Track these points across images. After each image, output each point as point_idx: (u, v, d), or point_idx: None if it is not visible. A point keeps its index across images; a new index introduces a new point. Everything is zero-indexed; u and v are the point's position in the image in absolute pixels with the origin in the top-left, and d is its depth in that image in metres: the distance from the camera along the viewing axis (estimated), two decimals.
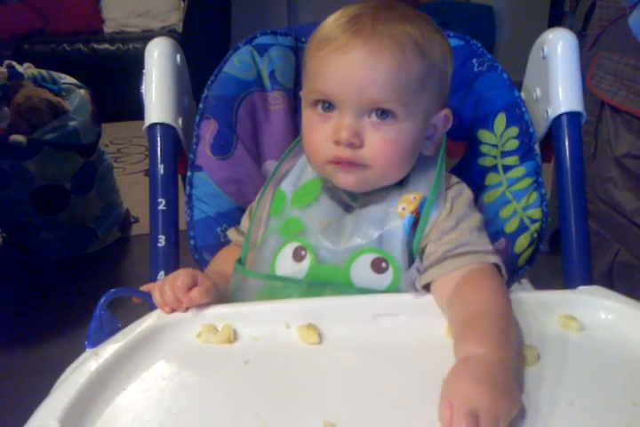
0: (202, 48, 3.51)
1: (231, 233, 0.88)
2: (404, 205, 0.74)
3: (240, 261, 0.81)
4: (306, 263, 0.74)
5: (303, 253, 0.75)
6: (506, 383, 0.53)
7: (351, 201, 0.77)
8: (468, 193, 0.79)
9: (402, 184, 0.77)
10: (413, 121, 0.73)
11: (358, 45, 0.69)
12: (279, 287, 0.74)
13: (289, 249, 0.76)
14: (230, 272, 0.80)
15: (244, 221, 0.87)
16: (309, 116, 0.76)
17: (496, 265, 0.70)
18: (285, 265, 0.76)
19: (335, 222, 0.76)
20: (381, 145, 0.72)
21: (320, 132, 0.74)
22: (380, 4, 0.75)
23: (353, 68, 0.70)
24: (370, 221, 0.75)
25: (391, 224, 0.74)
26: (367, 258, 0.73)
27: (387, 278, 0.73)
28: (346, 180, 0.74)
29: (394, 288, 0.72)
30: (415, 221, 0.74)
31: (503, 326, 0.61)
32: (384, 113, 0.72)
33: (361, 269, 0.73)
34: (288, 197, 0.80)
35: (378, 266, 0.73)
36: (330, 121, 0.73)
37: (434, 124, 0.77)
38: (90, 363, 0.60)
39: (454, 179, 0.80)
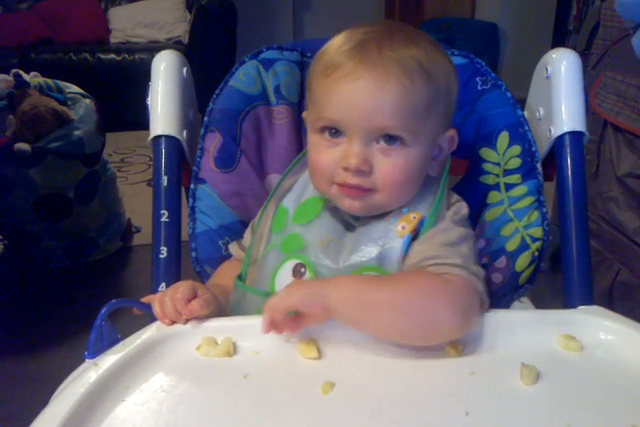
0: (207, 60, 3.54)
1: (233, 247, 0.88)
2: (404, 224, 0.75)
3: (240, 277, 0.81)
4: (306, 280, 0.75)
5: (303, 270, 0.75)
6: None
7: (353, 220, 0.78)
8: (463, 210, 0.79)
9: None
10: (421, 145, 0.74)
11: (365, 72, 0.69)
12: None
13: (289, 266, 0.76)
14: (230, 287, 0.80)
15: (247, 236, 0.88)
16: (316, 141, 0.76)
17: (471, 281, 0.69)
18: (285, 281, 0.75)
19: (335, 240, 0.76)
20: (391, 171, 0.73)
21: (327, 156, 0.74)
22: (385, 28, 0.75)
23: (361, 96, 0.70)
24: (370, 239, 0.75)
25: (390, 243, 0.74)
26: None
27: None
28: (351, 205, 0.75)
29: None
30: (413, 240, 0.74)
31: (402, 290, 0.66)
32: (392, 139, 0.72)
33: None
34: (290, 214, 0.81)
35: None
36: (338, 147, 0.73)
37: (439, 144, 0.78)
38: (89, 374, 0.60)
39: (455, 197, 0.81)
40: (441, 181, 0.79)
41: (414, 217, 0.75)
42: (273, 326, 0.65)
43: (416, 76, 0.71)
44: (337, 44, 0.74)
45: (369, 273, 0.73)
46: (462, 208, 0.79)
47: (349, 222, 0.78)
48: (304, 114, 0.85)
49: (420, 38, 0.75)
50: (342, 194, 0.74)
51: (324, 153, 0.75)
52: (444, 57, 0.77)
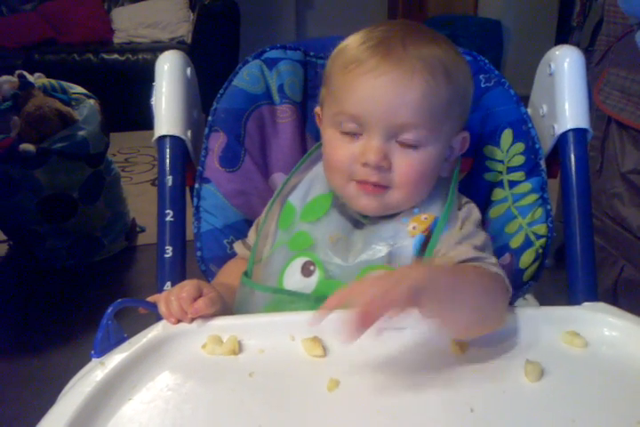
0: (210, 60, 3.54)
1: (237, 246, 0.88)
2: (415, 224, 0.75)
3: (246, 274, 0.81)
4: (314, 278, 0.75)
5: (312, 268, 0.75)
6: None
7: (361, 218, 0.78)
8: (476, 213, 0.80)
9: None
10: (438, 144, 0.75)
11: (390, 68, 0.70)
12: (286, 301, 0.74)
13: (298, 263, 0.76)
14: (236, 285, 0.81)
15: (251, 235, 0.88)
16: (333, 136, 0.76)
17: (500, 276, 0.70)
18: (294, 279, 0.76)
19: (344, 238, 0.76)
20: (409, 168, 0.73)
21: (345, 151, 0.74)
22: (405, 27, 0.76)
23: (385, 92, 0.70)
24: (380, 238, 0.75)
25: (401, 242, 0.74)
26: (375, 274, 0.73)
27: None
28: (367, 205, 0.75)
29: None
30: (426, 240, 0.74)
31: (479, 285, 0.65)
32: (411, 137, 0.72)
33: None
34: (297, 211, 0.81)
35: None
36: (356, 142, 0.74)
37: (451, 145, 0.79)
38: (96, 373, 0.60)
39: (464, 198, 0.81)
40: (451, 182, 0.79)
41: (425, 218, 0.75)
42: (366, 320, 0.56)
43: (439, 76, 0.71)
44: (357, 41, 0.74)
45: (379, 272, 0.73)
46: (473, 210, 0.80)
47: (358, 220, 0.78)
48: (317, 110, 0.85)
49: (441, 39, 0.76)
50: (360, 192, 0.74)
51: (341, 148, 0.75)
52: (463, 59, 0.78)
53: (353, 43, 0.75)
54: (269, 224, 0.83)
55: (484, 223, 0.87)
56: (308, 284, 0.75)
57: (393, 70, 0.70)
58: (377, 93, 0.70)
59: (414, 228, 0.75)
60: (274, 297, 0.76)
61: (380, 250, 0.74)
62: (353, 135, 0.74)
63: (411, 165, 0.73)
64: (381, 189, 0.74)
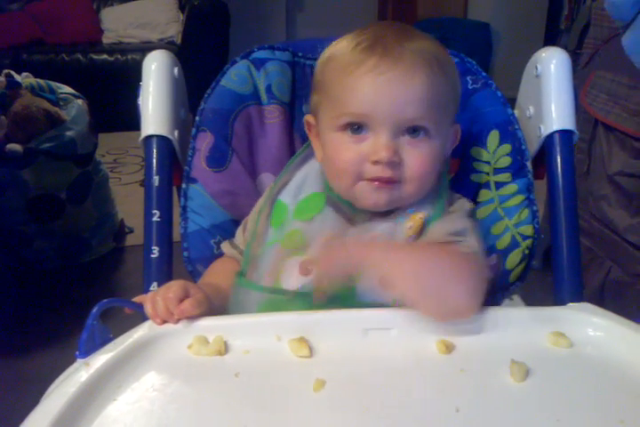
0: (200, 61, 3.53)
1: (225, 246, 0.88)
2: (412, 224, 0.75)
3: (240, 274, 0.81)
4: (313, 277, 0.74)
5: (310, 267, 0.75)
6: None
7: (356, 216, 0.78)
8: (466, 205, 0.80)
9: None
10: (441, 136, 0.76)
11: (391, 66, 0.71)
12: (284, 301, 0.74)
13: (294, 262, 0.76)
14: (223, 285, 0.80)
15: (239, 235, 0.88)
16: (338, 139, 0.76)
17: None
18: (292, 278, 0.76)
19: (339, 235, 0.76)
20: (419, 162, 0.74)
21: (352, 152, 0.74)
22: (394, 25, 0.77)
23: (389, 89, 0.71)
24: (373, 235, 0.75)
25: (397, 241, 0.75)
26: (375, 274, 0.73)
27: (391, 294, 0.73)
28: (377, 200, 0.75)
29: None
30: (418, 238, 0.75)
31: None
32: (416, 130, 0.73)
33: (367, 284, 0.73)
34: (290, 209, 0.81)
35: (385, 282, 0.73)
36: (363, 142, 0.74)
37: (448, 140, 0.79)
38: (80, 373, 0.59)
39: (456, 195, 0.82)
40: (441, 181, 0.80)
41: (420, 217, 0.76)
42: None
43: (436, 69, 0.72)
44: (349, 45, 0.75)
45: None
46: (464, 204, 0.80)
47: (353, 218, 0.78)
48: (307, 118, 0.84)
49: (426, 35, 0.77)
50: (372, 188, 0.74)
51: (349, 149, 0.75)
52: (448, 52, 0.80)
53: (345, 47, 0.75)
54: (261, 223, 0.82)
55: None
56: (307, 283, 0.74)
57: (394, 67, 0.71)
58: (382, 91, 0.71)
59: (410, 227, 0.75)
60: (271, 297, 0.76)
61: None
62: (358, 136, 0.74)
63: (421, 159, 0.74)
64: (393, 184, 0.74)
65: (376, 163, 0.73)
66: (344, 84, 0.73)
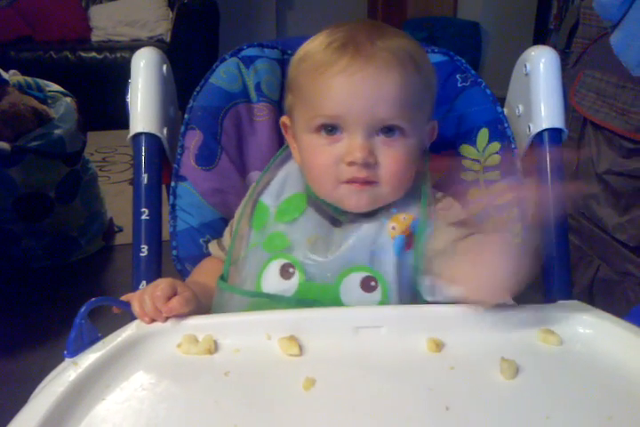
0: (189, 58, 3.52)
1: (212, 246, 0.88)
2: (395, 224, 0.75)
3: (222, 278, 0.80)
4: (295, 281, 0.74)
5: (291, 270, 0.75)
6: None
7: (339, 216, 0.78)
8: (455, 206, 0.80)
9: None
10: (416, 135, 0.75)
11: (363, 65, 0.70)
12: (266, 305, 0.73)
13: (275, 266, 0.76)
14: (210, 285, 0.80)
15: (227, 235, 0.87)
16: (313, 141, 0.75)
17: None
18: (273, 282, 0.75)
19: (323, 237, 0.76)
20: (394, 162, 0.73)
21: (327, 154, 0.74)
22: (367, 24, 0.76)
23: (362, 89, 0.70)
24: (360, 238, 0.75)
25: (382, 243, 0.74)
26: (357, 276, 0.73)
27: (375, 297, 0.73)
28: (358, 202, 0.74)
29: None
30: (409, 241, 0.74)
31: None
32: (391, 130, 0.73)
33: (350, 288, 0.73)
34: (271, 211, 0.80)
35: (367, 284, 0.73)
36: (337, 143, 0.73)
37: (424, 137, 0.79)
38: (68, 372, 0.59)
39: (439, 193, 0.82)
40: (423, 180, 0.80)
41: (404, 218, 0.75)
42: None
43: (409, 67, 0.72)
44: (320, 44, 0.74)
45: (359, 273, 0.73)
46: (453, 204, 0.80)
47: (336, 218, 0.78)
48: (283, 119, 0.84)
49: (401, 33, 0.77)
50: (351, 191, 0.74)
51: (323, 152, 0.74)
52: (424, 49, 0.79)
53: (316, 47, 0.75)
54: (243, 225, 0.82)
55: None
56: (289, 286, 0.74)
57: (366, 67, 0.70)
58: (354, 91, 0.70)
59: (393, 228, 0.75)
60: (252, 300, 0.75)
61: (362, 250, 0.74)
62: (333, 137, 0.73)
63: (396, 159, 0.73)
64: (370, 184, 0.74)
65: (351, 164, 0.72)
66: (316, 86, 0.73)
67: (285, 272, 0.75)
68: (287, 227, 0.78)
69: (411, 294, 0.74)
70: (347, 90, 0.71)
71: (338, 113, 0.72)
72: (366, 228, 0.76)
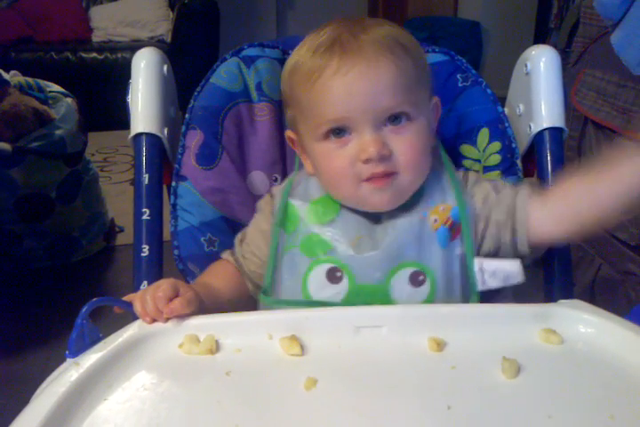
0: (190, 59, 3.52)
1: (224, 253, 0.86)
2: (436, 216, 0.75)
3: (264, 293, 0.78)
4: (344, 285, 0.74)
5: (339, 274, 0.74)
6: None
7: (377, 212, 0.77)
8: (479, 175, 0.81)
9: (420, 193, 0.77)
10: (423, 116, 0.75)
11: (354, 62, 0.70)
12: None
13: (321, 270, 0.75)
14: (217, 287, 0.79)
15: (237, 244, 0.85)
16: (323, 148, 0.75)
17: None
18: (321, 288, 0.74)
19: (366, 237, 0.75)
20: (408, 148, 0.73)
21: (342, 157, 0.73)
22: (346, 20, 0.76)
23: (359, 85, 0.70)
24: (403, 233, 0.74)
25: (426, 236, 0.74)
26: (406, 272, 0.73)
27: (424, 291, 0.73)
28: (381, 200, 0.74)
29: (430, 300, 0.73)
30: (452, 231, 0.74)
31: None
32: (397, 117, 0.73)
33: (400, 285, 0.73)
34: (302, 212, 0.79)
35: (415, 279, 0.73)
36: (348, 145, 0.73)
37: (432, 115, 0.79)
38: (70, 373, 0.59)
39: (461, 172, 0.82)
40: (443, 165, 0.80)
41: (443, 208, 0.75)
42: None
43: (398, 51, 0.72)
44: (307, 53, 0.74)
45: (408, 269, 0.73)
46: (476, 175, 0.81)
47: (375, 215, 0.77)
48: (288, 133, 0.84)
49: (380, 21, 0.77)
50: (373, 189, 0.73)
51: (337, 156, 0.74)
52: (407, 32, 0.78)
53: (303, 55, 0.74)
54: (275, 230, 0.79)
55: None
56: (338, 291, 0.73)
57: (357, 62, 0.70)
58: (352, 90, 0.70)
59: (436, 220, 0.75)
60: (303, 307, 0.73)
61: (407, 245, 0.73)
62: (342, 140, 0.73)
63: (410, 144, 0.73)
64: (390, 176, 0.73)
65: (367, 161, 0.72)
66: (313, 93, 0.72)
67: (333, 277, 0.74)
68: (325, 228, 0.76)
69: (460, 285, 0.74)
70: (344, 90, 0.71)
71: (341, 115, 0.72)
72: (408, 222, 0.75)
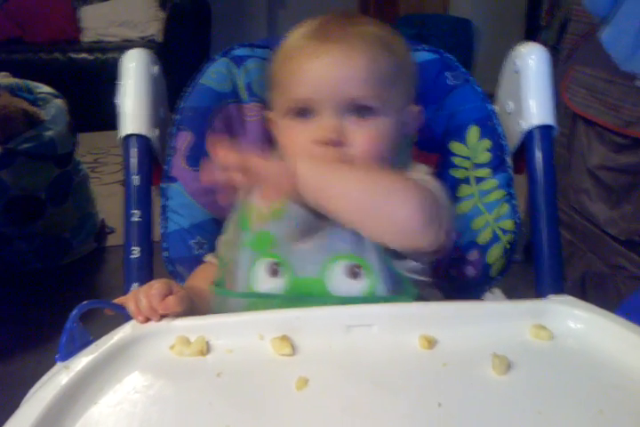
0: (181, 59, 3.51)
1: (207, 257, 0.87)
2: None
3: (217, 284, 0.80)
4: (282, 277, 0.74)
5: (278, 268, 0.75)
6: None
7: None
8: (425, 169, 0.81)
9: None
10: (390, 115, 0.75)
11: (330, 47, 0.72)
12: (260, 305, 0.73)
13: (262, 264, 0.76)
14: (205, 289, 0.80)
15: (220, 245, 0.86)
16: (286, 124, 0.77)
17: None
18: (262, 281, 0.75)
19: (306, 231, 0.76)
20: (366, 140, 0.73)
21: (301, 136, 0.74)
22: (342, 13, 0.79)
23: (328, 70, 0.72)
24: (339, 226, 0.73)
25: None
26: (341, 265, 0.73)
27: (363, 284, 0.73)
28: None
29: (372, 293, 0.73)
30: None
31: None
32: (362, 110, 0.73)
33: (336, 277, 0.73)
34: (257, 210, 0.80)
35: (352, 271, 0.73)
36: (310, 125, 0.74)
37: (404, 120, 0.79)
38: (60, 376, 0.59)
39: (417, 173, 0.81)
40: (403, 162, 0.81)
41: None
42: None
43: (378, 48, 0.73)
44: (298, 32, 0.77)
45: (343, 261, 0.73)
46: (423, 168, 0.82)
47: (319, 211, 0.77)
48: (266, 113, 0.85)
49: (374, 21, 0.79)
50: None
51: (296, 134, 0.75)
52: (400, 36, 0.80)
53: (294, 35, 0.78)
54: (232, 227, 0.82)
55: None
56: (277, 284, 0.74)
57: (333, 49, 0.72)
58: (321, 73, 0.72)
59: None
60: (247, 302, 0.75)
61: (343, 238, 0.74)
62: (305, 120, 0.74)
63: (368, 137, 0.73)
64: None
65: (319, 143, 0.73)
66: (287, 71, 0.75)
67: (272, 270, 0.75)
68: (272, 224, 0.77)
69: (396, 276, 0.74)
70: (313, 72, 0.72)
71: (307, 95, 0.73)
72: None
